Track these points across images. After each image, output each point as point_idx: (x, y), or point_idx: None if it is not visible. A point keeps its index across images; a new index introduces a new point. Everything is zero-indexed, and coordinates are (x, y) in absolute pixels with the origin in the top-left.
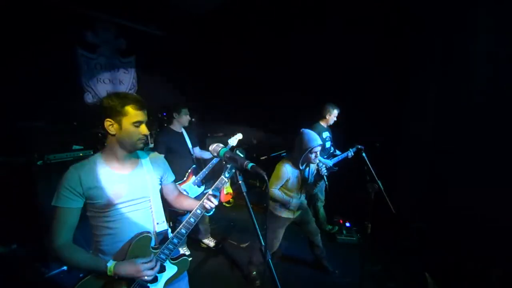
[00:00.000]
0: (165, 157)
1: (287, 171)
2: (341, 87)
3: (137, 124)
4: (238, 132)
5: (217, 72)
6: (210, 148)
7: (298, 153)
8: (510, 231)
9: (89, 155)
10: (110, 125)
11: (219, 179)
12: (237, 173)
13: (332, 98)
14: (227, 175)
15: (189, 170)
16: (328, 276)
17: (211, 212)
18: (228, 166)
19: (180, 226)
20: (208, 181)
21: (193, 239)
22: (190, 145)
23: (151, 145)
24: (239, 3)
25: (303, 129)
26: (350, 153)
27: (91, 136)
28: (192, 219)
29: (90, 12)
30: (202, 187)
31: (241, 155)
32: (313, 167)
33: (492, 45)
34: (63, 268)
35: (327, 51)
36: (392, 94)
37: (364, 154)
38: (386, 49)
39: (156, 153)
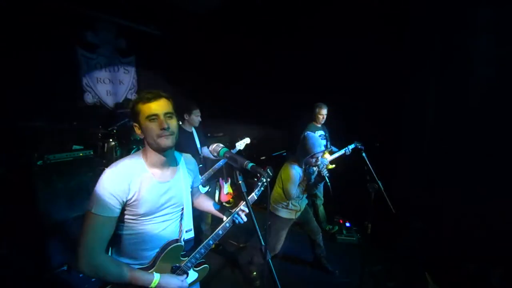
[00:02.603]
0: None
1: (297, 171)
2: (341, 87)
3: (152, 118)
4: (246, 136)
5: (217, 71)
6: (210, 148)
7: (301, 155)
8: (510, 230)
9: (89, 155)
10: (137, 129)
11: (250, 196)
12: (237, 173)
13: (333, 98)
14: (257, 192)
15: None
16: (328, 276)
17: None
18: (259, 184)
19: (209, 238)
20: (209, 182)
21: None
22: (198, 145)
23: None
24: (239, 2)
25: (307, 132)
26: (348, 150)
27: (91, 136)
28: (220, 231)
29: (90, 12)
30: (206, 187)
31: (271, 174)
32: (313, 168)
33: (492, 45)
34: (63, 268)
35: (328, 50)
36: (392, 94)
37: (364, 154)
38: (386, 49)
39: (189, 155)
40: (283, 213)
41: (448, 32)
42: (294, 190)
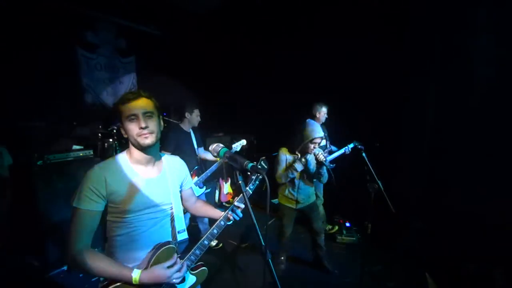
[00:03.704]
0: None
1: (284, 154)
2: (342, 87)
3: (132, 117)
4: (242, 138)
5: (217, 71)
6: (210, 148)
7: (298, 141)
8: (510, 230)
9: (90, 155)
10: (121, 129)
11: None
12: (237, 173)
13: (333, 98)
14: (252, 186)
15: (192, 171)
16: (328, 276)
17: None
18: (253, 177)
19: (203, 237)
20: (209, 182)
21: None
22: (196, 145)
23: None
24: (239, 2)
25: (308, 119)
26: (347, 149)
27: (91, 136)
28: (215, 230)
29: (90, 12)
30: (203, 188)
31: (265, 166)
32: (310, 156)
33: (492, 45)
34: (63, 268)
35: (328, 50)
36: (392, 94)
37: (364, 154)
38: (386, 49)
39: (177, 157)
40: (282, 200)
41: (448, 32)
42: (279, 170)
